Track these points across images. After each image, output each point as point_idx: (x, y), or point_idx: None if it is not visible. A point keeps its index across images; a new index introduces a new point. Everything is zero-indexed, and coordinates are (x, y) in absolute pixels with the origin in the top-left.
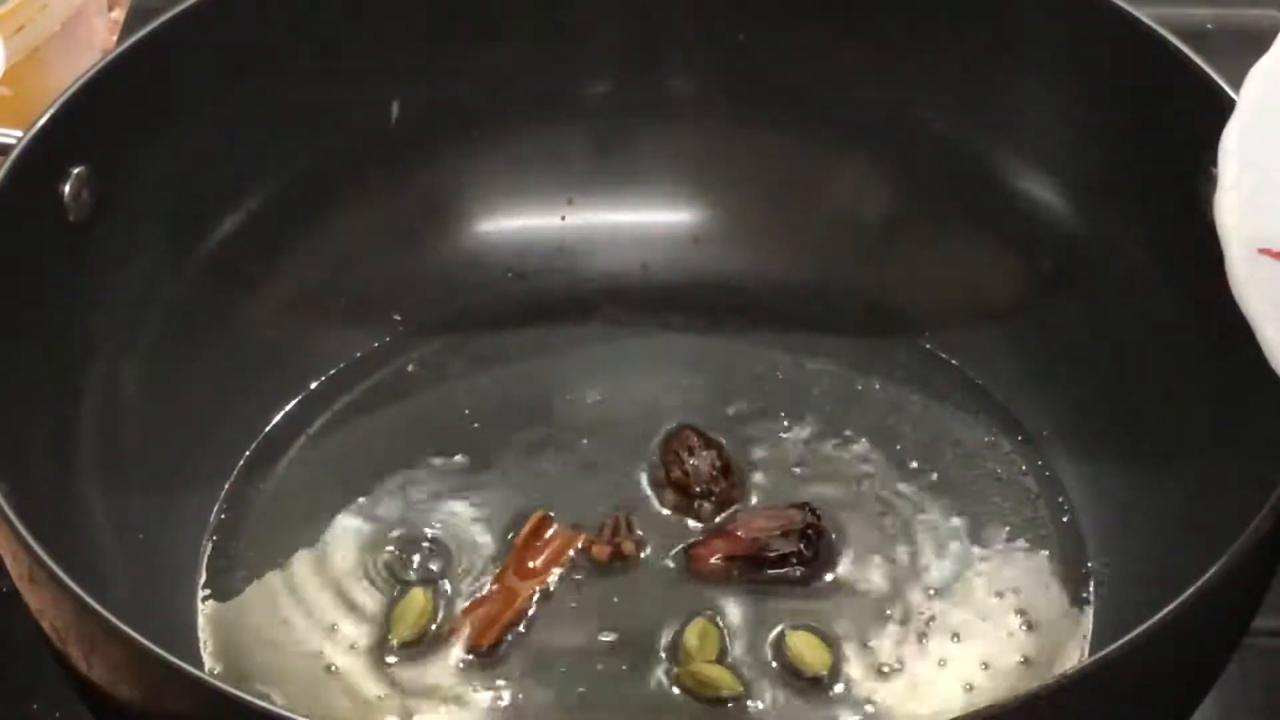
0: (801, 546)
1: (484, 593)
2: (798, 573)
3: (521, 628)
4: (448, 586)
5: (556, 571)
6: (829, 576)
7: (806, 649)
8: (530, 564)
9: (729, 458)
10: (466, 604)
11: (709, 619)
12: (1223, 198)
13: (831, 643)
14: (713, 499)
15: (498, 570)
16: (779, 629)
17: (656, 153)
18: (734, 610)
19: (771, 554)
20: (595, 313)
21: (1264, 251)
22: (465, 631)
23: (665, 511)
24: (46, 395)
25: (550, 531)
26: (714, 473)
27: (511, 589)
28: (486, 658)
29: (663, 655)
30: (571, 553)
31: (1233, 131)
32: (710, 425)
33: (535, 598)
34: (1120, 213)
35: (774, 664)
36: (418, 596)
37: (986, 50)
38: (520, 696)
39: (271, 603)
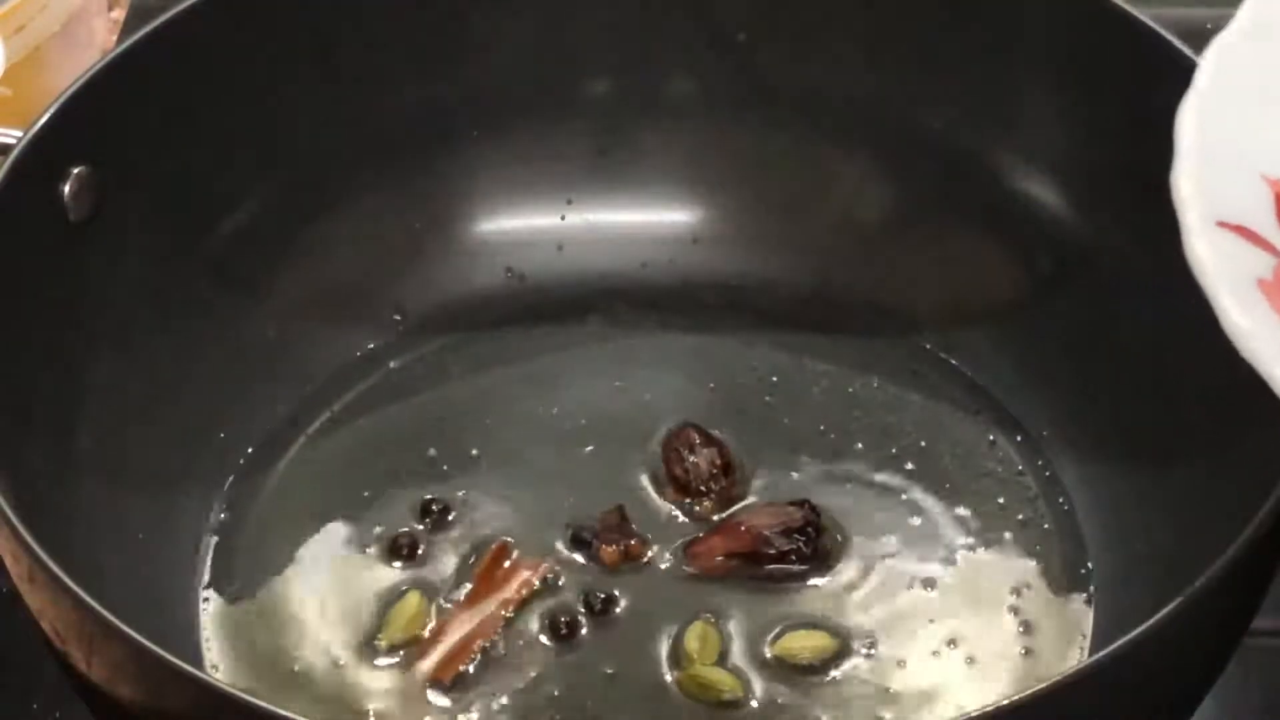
0: (801, 544)
1: (446, 621)
2: (797, 570)
3: (521, 629)
4: (445, 589)
5: (517, 599)
6: (828, 574)
7: (806, 647)
8: (492, 594)
9: (730, 456)
10: (435, 628)
11: (708, 621)
12: (1179, 169)
13: (831, 641)
14: (713, 497)
15: (462, 599)
16: (779, 628)
17: (656, 153)
18: (734, 609)
19: (771, 551)
20: (595, 313)
21: (1221, 224)
22: (428, 661)
23: (666, 509)
24: (46, 395)
25: (509, 561)
26: (714, 470)
27: (475, 618)
28: (451, 691)
29: (663, 658)
30: (537, 583)
31: (1190, 104)
32: (710, 425)
33: (493, 635)
34: (1120, 213)
35: (774, 663)
36: (414, 599)
37: (986, 50)
38: (519, 700)
39: (271, 602)
